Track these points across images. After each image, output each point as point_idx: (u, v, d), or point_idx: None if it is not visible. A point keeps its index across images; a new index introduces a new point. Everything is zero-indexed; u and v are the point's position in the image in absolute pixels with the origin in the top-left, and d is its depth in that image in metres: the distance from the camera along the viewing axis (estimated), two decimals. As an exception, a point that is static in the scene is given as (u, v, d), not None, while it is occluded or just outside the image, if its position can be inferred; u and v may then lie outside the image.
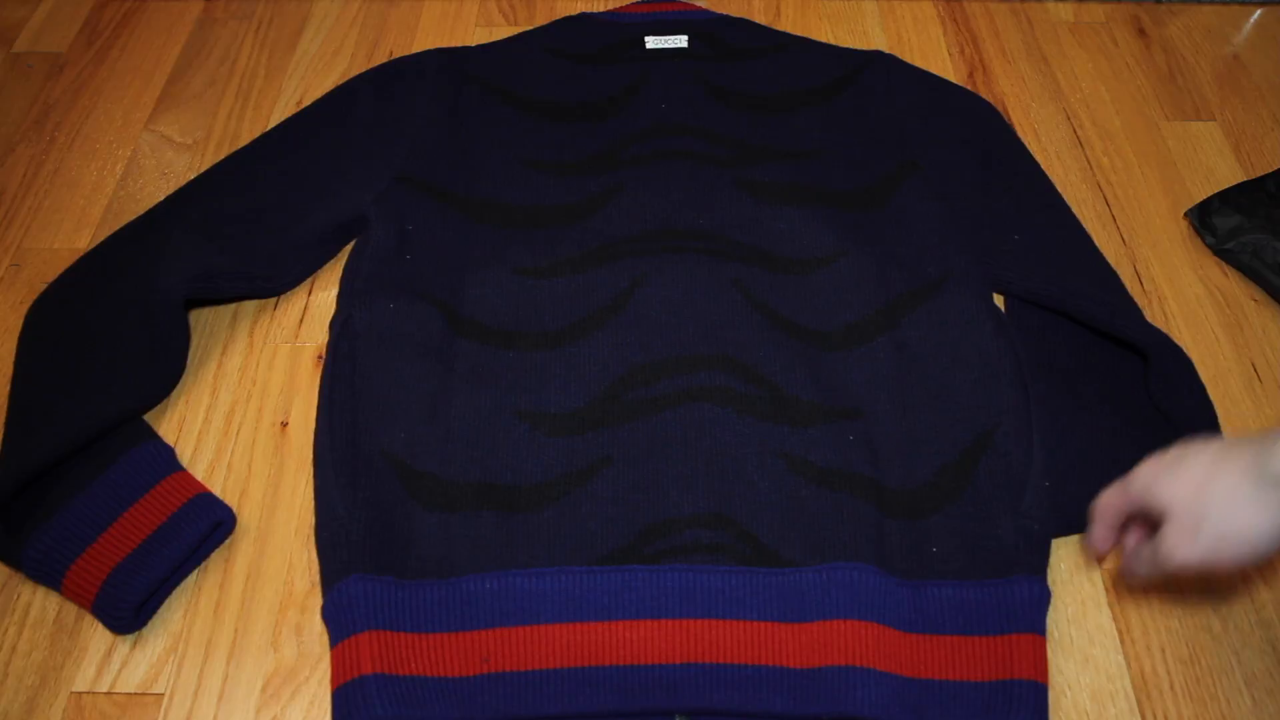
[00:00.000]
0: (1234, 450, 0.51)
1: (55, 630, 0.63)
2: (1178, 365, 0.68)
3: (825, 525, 0.63)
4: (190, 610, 0.63)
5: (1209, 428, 0.67)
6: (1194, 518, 0.51)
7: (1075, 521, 0.66)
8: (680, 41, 0.93)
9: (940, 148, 0.85)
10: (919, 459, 0.67)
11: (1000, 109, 0.95)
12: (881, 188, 0.83)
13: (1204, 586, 0.65)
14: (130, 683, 0.61)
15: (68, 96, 0.95)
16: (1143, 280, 0.82)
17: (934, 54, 1.01)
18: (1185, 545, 0.51)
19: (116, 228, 0.80)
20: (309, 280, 0.80)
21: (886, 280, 0.76)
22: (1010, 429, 0.67)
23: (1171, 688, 0.61)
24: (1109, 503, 0.57)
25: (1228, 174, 0.90)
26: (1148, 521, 0.58)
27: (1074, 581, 0.65)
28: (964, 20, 1.04)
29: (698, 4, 1.00)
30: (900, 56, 0.97)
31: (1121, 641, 0.63)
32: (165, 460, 0.66)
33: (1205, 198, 0.85)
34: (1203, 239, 0.84)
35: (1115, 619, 0.64)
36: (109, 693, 0.60)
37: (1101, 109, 0.96)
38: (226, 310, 0.79)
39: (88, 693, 0.60)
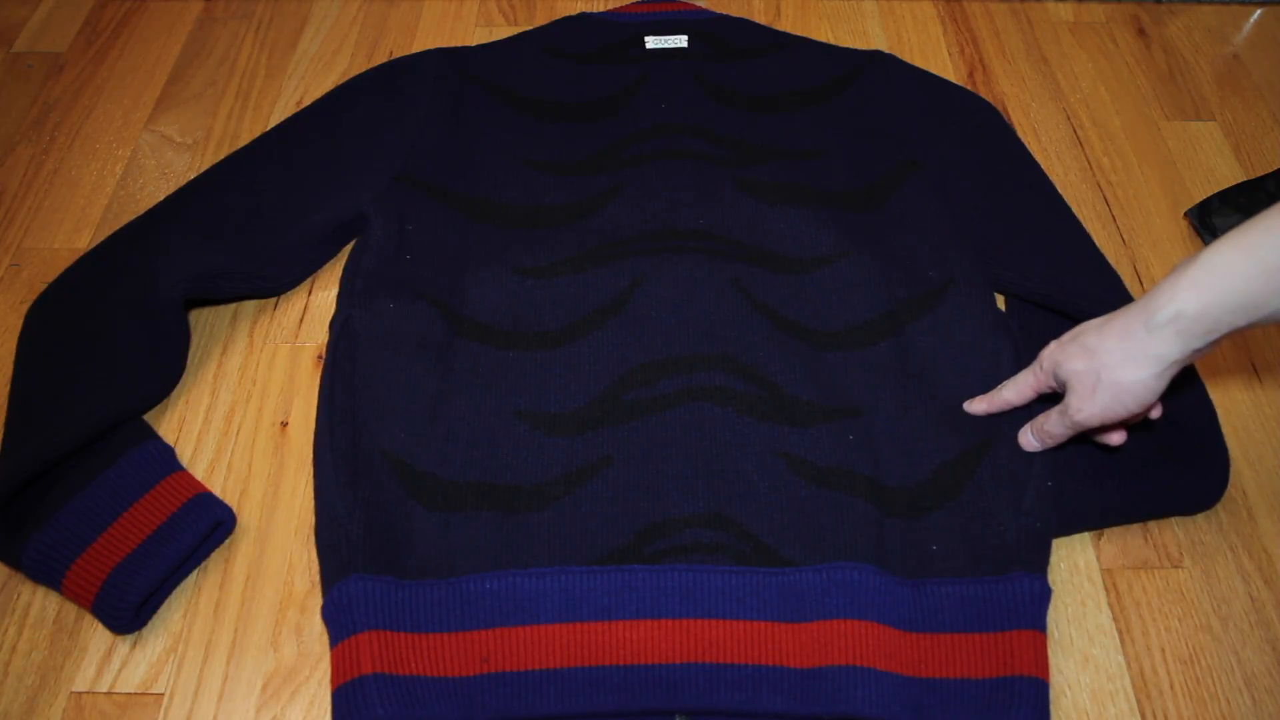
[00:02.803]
0: (1121, 311, 0.57)
1: (55, 630, 0.63)
2: None
3: (825, 525, 0.63)
4: (190, 610, 0.63)
5: (1209, 427, 0.67)
6: (1091, 378, 0.58)
7: (1075, 521, 0.66)
8: (680, 41, 0.93)
9: (940, 147, 0.85)
10: (919, 458, 0.67)
11: (1000, 109, 0.95)
12: (881, 188, 0.83)
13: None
14: (130, 683, 0.61)
15: (68, 96, 0.95)
16: (1143, 280, 0.82)
17: (934, 54, 1.01)
18: (1086, 403, 0.59)
19: (116, 228, 0.80)
20: (309, 280, 0.80)
21: (888, 282, 0.76)
22: (1011, 437, 0.67)
23: (1171, 688, 0.61)
24: (1024, 387, 0.65)
25: (1228, 174, 0.90)
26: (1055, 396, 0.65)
27: (1074, 581, 0.65)
28: (964, 20, 1.04)
29: (698, 4, 1.00)
30: (900, 56, 0.97)
31: (1121, 641, 0.63)
32: (165, 460, 0.66)
33: (1205, 198, 0.85)
34: (1203, 239, 0.84)
35: (1115, 619, 0.64)
36: (109, 693, 0.60)
37: (1101, 109, 0.96)
38: (226, 310, 0.79)
39: (88, 693, 0.60)
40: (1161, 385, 0.56)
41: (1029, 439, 0.66)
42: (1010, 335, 0.72)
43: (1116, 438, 0.64)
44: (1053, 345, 0.62)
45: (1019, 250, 0.77)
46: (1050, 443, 0.65)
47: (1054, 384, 0.62)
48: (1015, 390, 0.66)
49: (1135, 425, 0.66)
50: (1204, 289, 0.52)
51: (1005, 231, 0.79)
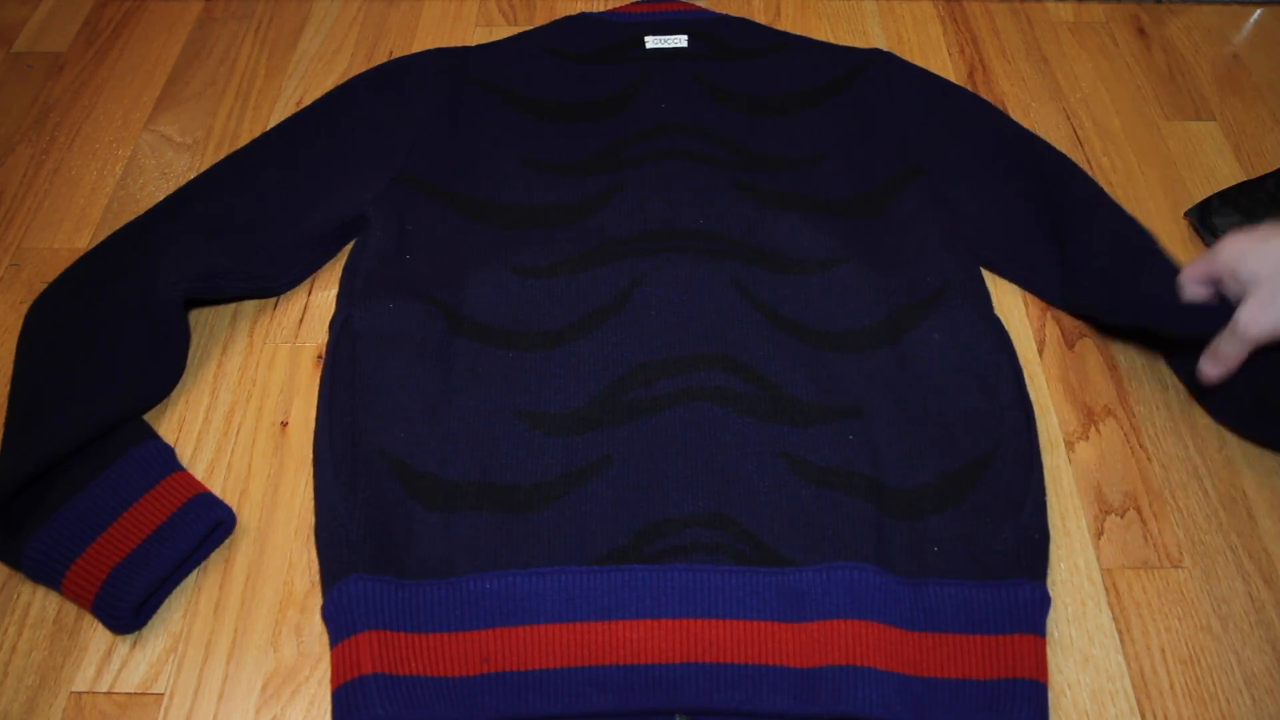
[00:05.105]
0: None
1: (55, 630, 0.63)
2: None
3: (825, 524, 0.63)
4: (190, 610, 0.63)
5: None
6: (1273, 285, 0.55)
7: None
8: (680, 41, 0.93)
9: (941, 148, 0.85)
10: (919, 459, 0.67)
11: (1000, 109, 0.95)
12: (882, 191, 0.83)
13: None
14: (130, 683, 0.61)
15: (68, 96, 0.95)
16: (1143, 280, 0.82)
17: (934, 54, 1.01)
18: (1262, 313, 0.56)
19: (116, 228, 0.80)
20: (309, 280, 0.80)
21: (888, 288, 0.76)
22: (1010, 453, 0.66)
23: (1171, 688, 0.61)
24: (1195, 270, 0.61)
25: (1228, 174, 0.90)
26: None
27: (1074, 581, 0.65)
28: (964, 20, 1.04)
29: (697, 4, 1.00)
30: (900, 56, 0.97)
31: (1121, 641, 0.63)
32: (165, 460, 0.66)
33: (1205, 198, 0.85)
34: (1203, 239, 0.84)
35: (1115, 619, 0.64)
36: (109, 693, 0.60)
37: (1101, 109, 0.96)
38: (226, 310, 0.79)
39: (88, 693, 0.60)
40: None
41: (1208, 368, 0.63)
42: (1006, 339, 0.72)
43: None
44: (1236, 237, 0.59)
45: (1045, 256, 0.78)
46: (1228, 365, 0.62)
47: (1221, 273, 0.60)
48: (1187, 278, 0.63)
49: None
50: None
51: (1021, 232, 0.79)
